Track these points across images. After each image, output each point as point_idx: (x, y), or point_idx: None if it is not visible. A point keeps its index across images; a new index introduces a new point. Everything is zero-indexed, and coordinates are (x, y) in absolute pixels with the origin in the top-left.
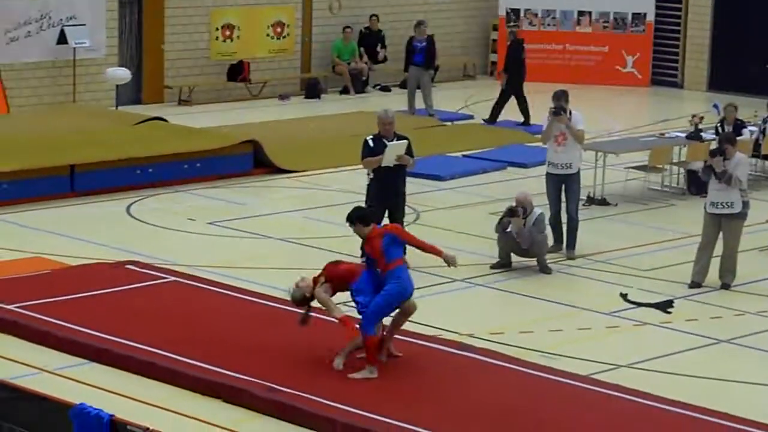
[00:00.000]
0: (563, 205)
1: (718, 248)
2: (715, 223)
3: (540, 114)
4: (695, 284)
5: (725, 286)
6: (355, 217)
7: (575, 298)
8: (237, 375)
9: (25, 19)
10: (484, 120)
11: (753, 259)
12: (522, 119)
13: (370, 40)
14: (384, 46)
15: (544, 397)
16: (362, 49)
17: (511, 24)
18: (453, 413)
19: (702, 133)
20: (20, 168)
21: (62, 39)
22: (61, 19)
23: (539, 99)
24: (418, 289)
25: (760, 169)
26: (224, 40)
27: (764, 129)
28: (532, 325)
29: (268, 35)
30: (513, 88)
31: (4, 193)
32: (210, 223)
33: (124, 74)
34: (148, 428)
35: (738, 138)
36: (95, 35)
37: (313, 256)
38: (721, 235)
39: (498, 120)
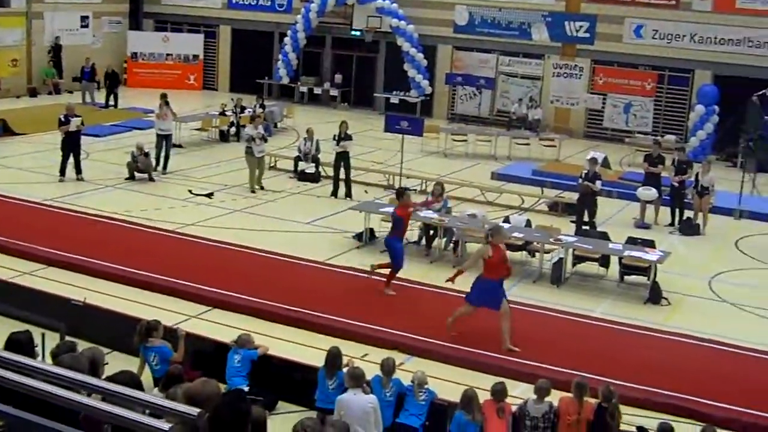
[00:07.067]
0: (164, 149)
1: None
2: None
3: (153, 102)
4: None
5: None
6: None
7: (167, 192)
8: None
9: None
10: (101, 106)
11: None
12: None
13: (61, 66)
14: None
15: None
16: (56, 71)
17: (125, 62)
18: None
19: (226, 113)
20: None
21: None
22: None
23: (150, 97)
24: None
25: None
26: None
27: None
28: (148, 207)
29: (8, 64)
30: (110, 90)
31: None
32: None
33: None
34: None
35: (252, 115)
36: None
37: (36, 176)
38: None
39: (118, 106)
